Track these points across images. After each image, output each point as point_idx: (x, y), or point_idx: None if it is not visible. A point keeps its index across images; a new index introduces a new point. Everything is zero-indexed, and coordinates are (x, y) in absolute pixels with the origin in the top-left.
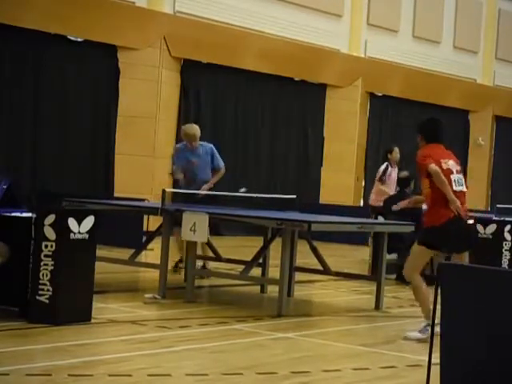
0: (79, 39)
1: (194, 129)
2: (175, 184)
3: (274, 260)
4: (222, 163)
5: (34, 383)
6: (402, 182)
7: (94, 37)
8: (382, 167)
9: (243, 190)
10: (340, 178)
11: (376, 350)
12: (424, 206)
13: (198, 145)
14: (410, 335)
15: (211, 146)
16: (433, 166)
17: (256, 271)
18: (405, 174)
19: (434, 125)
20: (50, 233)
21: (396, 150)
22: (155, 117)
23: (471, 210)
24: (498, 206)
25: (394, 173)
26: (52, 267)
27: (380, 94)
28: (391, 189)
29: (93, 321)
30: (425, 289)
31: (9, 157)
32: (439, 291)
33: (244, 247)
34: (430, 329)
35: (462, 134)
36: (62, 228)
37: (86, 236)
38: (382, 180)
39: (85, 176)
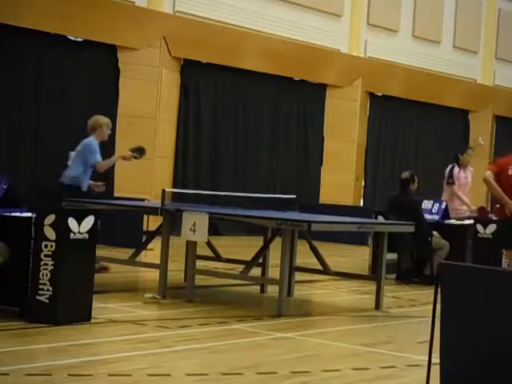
0: (79, 39)
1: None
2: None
3: (274, 260)
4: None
5: (33, 383)
6: (403, 183)
7: (93, 37)
8: (448, 168)
9: None
10: (340, 177)
11: (376, 349)
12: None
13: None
14: None
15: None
16: (486, 174)
17: (256, 271)
18: (406, 174)
19: None
20: (50, 233)
21: (469, 151)
22: (155, 117)
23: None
24: (497, 205)
25: (462, 174)
26: (52, 267)
27: (380, 94)
28: (464, 191)
29: (93, 321)
30: None
31: (9, 157)
32: (439, 291)
33: (244, 247)
34: None
35: (461, 134)
36: (62, 228)
37: (86, 236)
38: (449, 183)
39: None
